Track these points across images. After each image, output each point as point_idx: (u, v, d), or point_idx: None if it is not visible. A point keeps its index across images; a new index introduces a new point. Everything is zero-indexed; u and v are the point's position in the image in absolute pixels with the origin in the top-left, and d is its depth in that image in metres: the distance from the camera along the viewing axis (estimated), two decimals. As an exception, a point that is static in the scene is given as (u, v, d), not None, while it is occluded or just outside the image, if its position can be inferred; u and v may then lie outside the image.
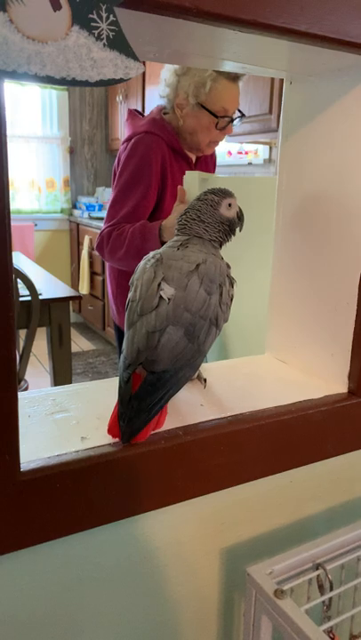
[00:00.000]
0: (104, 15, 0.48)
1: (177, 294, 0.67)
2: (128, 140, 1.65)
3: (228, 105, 1.59)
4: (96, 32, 0.48)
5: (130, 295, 0.72)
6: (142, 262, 0.74)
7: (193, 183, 1.24)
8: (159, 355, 0.65)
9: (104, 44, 0.49)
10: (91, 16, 0.48)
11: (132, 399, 0.64)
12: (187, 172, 1.39)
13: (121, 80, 0.51)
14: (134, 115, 1.77)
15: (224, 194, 0.77)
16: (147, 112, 1.71)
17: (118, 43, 0.50)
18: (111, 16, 0.49)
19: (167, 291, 0.68)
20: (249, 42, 0.63)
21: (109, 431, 0.65)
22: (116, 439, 0.64)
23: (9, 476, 0.56)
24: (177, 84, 1.62)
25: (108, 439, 0.64)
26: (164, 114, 1.70)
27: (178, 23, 0.56)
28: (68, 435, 0.65)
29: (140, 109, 4.57)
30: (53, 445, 0.63)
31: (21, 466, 0.57)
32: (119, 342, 1.87)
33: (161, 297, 0.67)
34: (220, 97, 1.57)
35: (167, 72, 1.65)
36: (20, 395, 0.73)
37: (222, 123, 1.61)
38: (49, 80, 0.48)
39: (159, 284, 0.68)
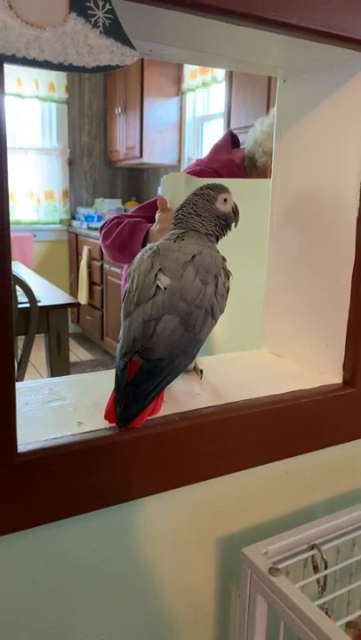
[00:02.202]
0: (100, 3, 0.50)
1: (173, 284, 0.68)
2: (198, 164, 1.54)
3: None
4: (93, 19, 0.50)
5: (127, 286, 0.73)
6: (140, 254, 0.75)
7: (178, 186, 1.25)
8: (155, 343, 0.66)
9: (100, 32, 0.51)
10: (87, 4, 0.49)
11: (128, 386, 0.65)
12: (170, 174, 1.34)
13: (117, 67, 0.52)
14: (227, 140, 1.63)
15: (220, 189, 0.79)
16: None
17: (114, 30, 0.51)
18: (107, 4, 0.50)
19: (163, 280, 0.69)
20: (243, 37, 0.65)
21: (106, 417, 0.66)
22: (113, 424, 0.65)
23: (6, 457, 0.56)
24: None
25: (105, 424, 0.65)
26: (251, 160, 1.56)
27: (171, 16, 0.57)
28: (65, 420, 0.66)
29: (138, 122, 4.62)
30: (50, 430, 0.63)
31: (18, 448, 0.58)
32: None
33: (158, 287, 0.68)
34: None
35: (263, 135, 1.52)
36: (18, 384, 0.74)
37: None
38: (47, 65, 0.49)
39: (156, 275, 0.69)
